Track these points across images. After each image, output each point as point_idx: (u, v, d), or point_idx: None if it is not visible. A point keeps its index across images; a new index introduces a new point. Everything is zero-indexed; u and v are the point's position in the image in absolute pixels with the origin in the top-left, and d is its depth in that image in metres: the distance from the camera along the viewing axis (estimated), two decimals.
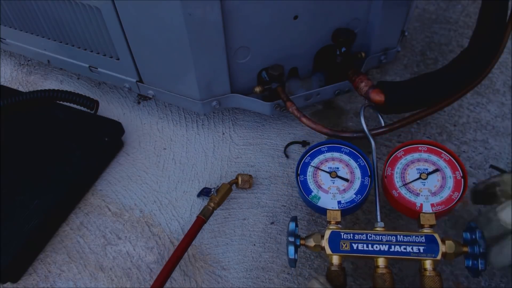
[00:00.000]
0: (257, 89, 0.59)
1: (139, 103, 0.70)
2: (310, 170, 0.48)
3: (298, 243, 0.43)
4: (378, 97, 0.52)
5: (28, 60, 0.79)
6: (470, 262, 0.40)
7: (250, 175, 0.57)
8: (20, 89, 0.74)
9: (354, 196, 0.46)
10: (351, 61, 0.60)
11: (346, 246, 0.42)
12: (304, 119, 0.56)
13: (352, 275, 0.49)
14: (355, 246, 0.41)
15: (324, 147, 0.50)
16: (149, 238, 0.54)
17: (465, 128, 0.63)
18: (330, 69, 0.61)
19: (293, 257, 0.42)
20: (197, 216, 0.50)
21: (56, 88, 0.63)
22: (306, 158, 0.49)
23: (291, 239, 0.42)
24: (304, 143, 0.62)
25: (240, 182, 0.55)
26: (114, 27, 0.55)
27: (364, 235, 0.42)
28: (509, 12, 0.46)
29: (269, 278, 0.50)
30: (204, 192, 0.56)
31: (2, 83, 0.75)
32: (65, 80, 0.75)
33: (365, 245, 0.41)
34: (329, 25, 0.57)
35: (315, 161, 0.49)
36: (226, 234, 0.54)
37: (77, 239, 0.54)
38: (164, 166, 0.61)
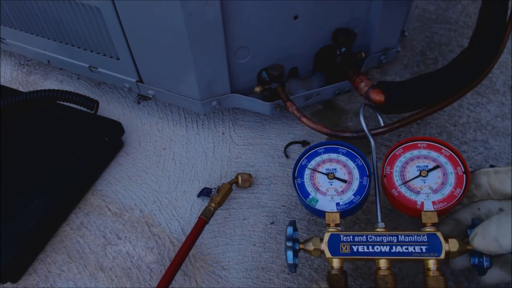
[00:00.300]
0: (257, 89, 0.59)
1: (139, 103, 0.70)
2: (307, 172, 0.47)
3: (297, 247, 0.42)
4: (378, 97, 0.52)
5: (28, 60, 0.79)
6: (476, 260, 0.39)
7: (249, 174, 0.57)
8: (20, 89, 0.74)
9: (353, 197, 0.45)
10: (351, 61, 0.60)
11: (346, 249, 0.41)
12: (304, 119, 0.56)
13: (352, 275, 0.49)
14: (355, 248, 0.41)
15: (320, 148, 0.49)
16: (149, 238, 0.54)
17: (465, 128, 0.63)
18: (330, 69, 0.61)
19: (292, 262, 0.41)
20: (199, 217, 0.50)
21: (56, 88, 0.63)
22: (303, 160, 0.48)
23: (289, 244, 0.41)
24: (304, 143, 0.62)
25: (240, 182, 0.55)
26: (114, 27, 0.55)
27: (364, 237, 0.41)
28: (509, 12, 0.46)
29: (269, 278, 0.50)
30: (204, 192, 0.56)
31: (2, 83, 0.75)
32: (65, 80, 0.75)
33: (365, 247, 0.40)
34: (329, 25, 0.57)
35: (312, 163, 0.48)
36: (226, 234, 0.54)
37: (77, 239, 0.54)
38: (164, 166, 0.61)
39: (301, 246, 0.42)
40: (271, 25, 0.53)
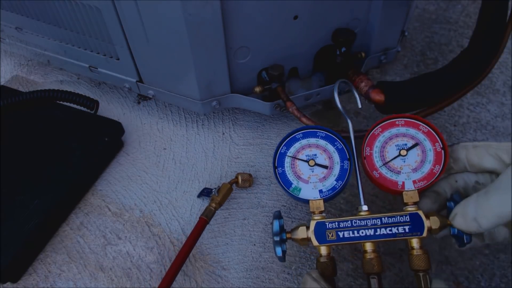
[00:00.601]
0: (257, 89, 0.59)
1: (139, 103, 0.70)
2: (287, 160, 0.46)
3: (284, 237, 0.42)
4: (378, 97, 0.52)
5: (29, 60, 0.79)
6: (456, 231, 0.40)
7: (249, 174, 0.57)
8: (20, 89, 0.74)
9: (335, 182, 0.44)
10: (351, 61, 0.60)
11: (332, 236, 0.41)
12: (304, 119, 0.56)
13: (352, 275, 0.49)
14: (341, 234, 0.41)
15: (298, 134, 0.47)
16: (149, 238, 0.54)
17: (465, 128, 0.63)
18: (330, 69, 0.61)
19: (281, 255, 0.41)
20: (200, 217, 0.50)
21: (56, 88, 0.63)
22: (282, 148, 0.47)
23: (277, 238, 0.41)
24: None
25: (240, 181, 0.55)
26: (114, 27, 0.55)
27: (349, 222, 0.41)
28: (509, 12, 0.46)
29: (269, 278, 0.50)
30: (205, 193, 0.56)
31: (2, 83, 0.75)
32: (65, 80, 0.75)
33: (351, 232, 0.41)
34: (329, 25, 0.57)
35: (292, 150, 0.46)
36: (226, 234, 0.54)
37: (77, 239, 0.54)
38: (164, 166, 0.61)
39: (288, 235, 0.42)
40: (271, 25, 0.53)
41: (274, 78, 0.57)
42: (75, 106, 0.64)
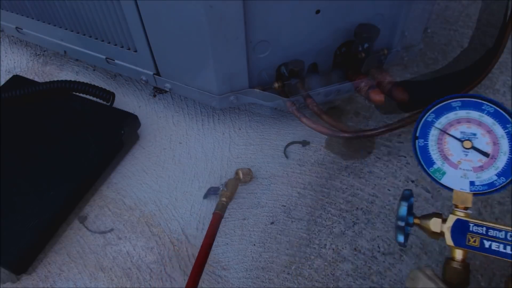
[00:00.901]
0: (276, 84, 0.57)
1: (154, 96, 0.69)
2: (433, 133, 0.36)
3: (411, 222, 0.35)
4: (378, 97, 0.52)
5: (44, 51, 0.79)
6: None
7: (249, 169, 0.57)
8: (36, 79, 0.74)
9: (496, 178, 0.34)
10: (373, 57, 0.57)
11: (474, 242, 0.33)
12: (304, 119, 0.56)
13: (351, 275, 0.49)
14: (487, 244, 0.33)
15: (456, 101, 0.36)
16: (149, 238, 0.54)
17: None
18: (351, 65, 0.59)
19: (402, 241, 0.35)
20: (213, 213, 0.50)
21: (71, 80, 0.63)
22: (429, 115, 0.36)
23: (401, 223, 0.34)
24: (304, 143, 0.62)
25: (241, 176, 0.56)
26: (133, 19, 0.54)
27: (503, 233, 0.32)
28: (509, 12, 0.46)
29: (269, 278, 0.50)
30: (212, 191, 0.56)
31: (18, 73, 0.75)
32: (80, 72, 0.75)
33: (502, 246, 0.32)
34: (351, 20, 0.55)
35: (442, 121, 0.36)
36: (226, 234, 0.54)
37: (77, 239, 0.54)
38: (165, 166, 0.61)
39: (416, 221, 0.35)
40: (292, 19, 0.51)
41: (294, 74, 0.55)
42: (91, 97, 0.64)
